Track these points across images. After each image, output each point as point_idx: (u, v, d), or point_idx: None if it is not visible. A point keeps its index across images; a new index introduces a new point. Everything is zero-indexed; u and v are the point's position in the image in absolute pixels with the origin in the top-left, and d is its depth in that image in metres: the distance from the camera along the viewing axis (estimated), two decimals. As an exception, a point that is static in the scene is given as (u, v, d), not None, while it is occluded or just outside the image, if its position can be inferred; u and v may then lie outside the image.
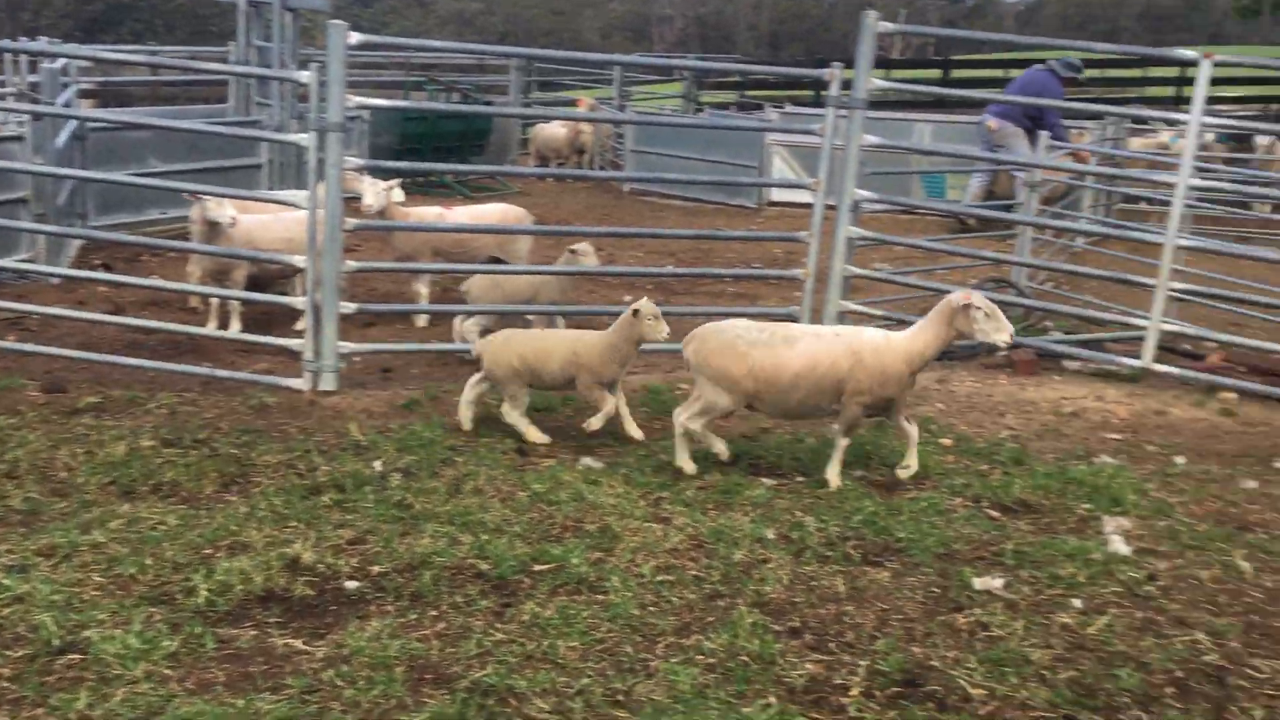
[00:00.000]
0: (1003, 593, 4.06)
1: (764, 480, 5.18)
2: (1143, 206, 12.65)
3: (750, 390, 5.22)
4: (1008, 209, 10.12)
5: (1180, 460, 5.68)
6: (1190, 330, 6.82)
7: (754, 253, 11.52)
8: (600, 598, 3.91)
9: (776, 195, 14.42)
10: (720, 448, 5.34)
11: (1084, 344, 7.21)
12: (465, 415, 5.79)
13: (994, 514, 4.89)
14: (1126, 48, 13.78)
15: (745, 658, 3.54)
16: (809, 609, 3.91)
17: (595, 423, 5.65)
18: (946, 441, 5.85)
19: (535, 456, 5.43)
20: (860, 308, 7.42)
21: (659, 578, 4.07)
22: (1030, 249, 9.42)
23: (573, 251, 7.03)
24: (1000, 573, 4.21)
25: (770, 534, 4.49)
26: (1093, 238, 10.88)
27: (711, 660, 3.53)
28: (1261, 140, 14.89)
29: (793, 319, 7.25)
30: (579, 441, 5.60)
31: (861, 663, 3.56)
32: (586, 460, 5.33)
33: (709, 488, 5.02)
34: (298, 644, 3.58)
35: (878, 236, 7.61)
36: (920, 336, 5.23)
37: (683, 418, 5.30)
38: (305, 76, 6.01)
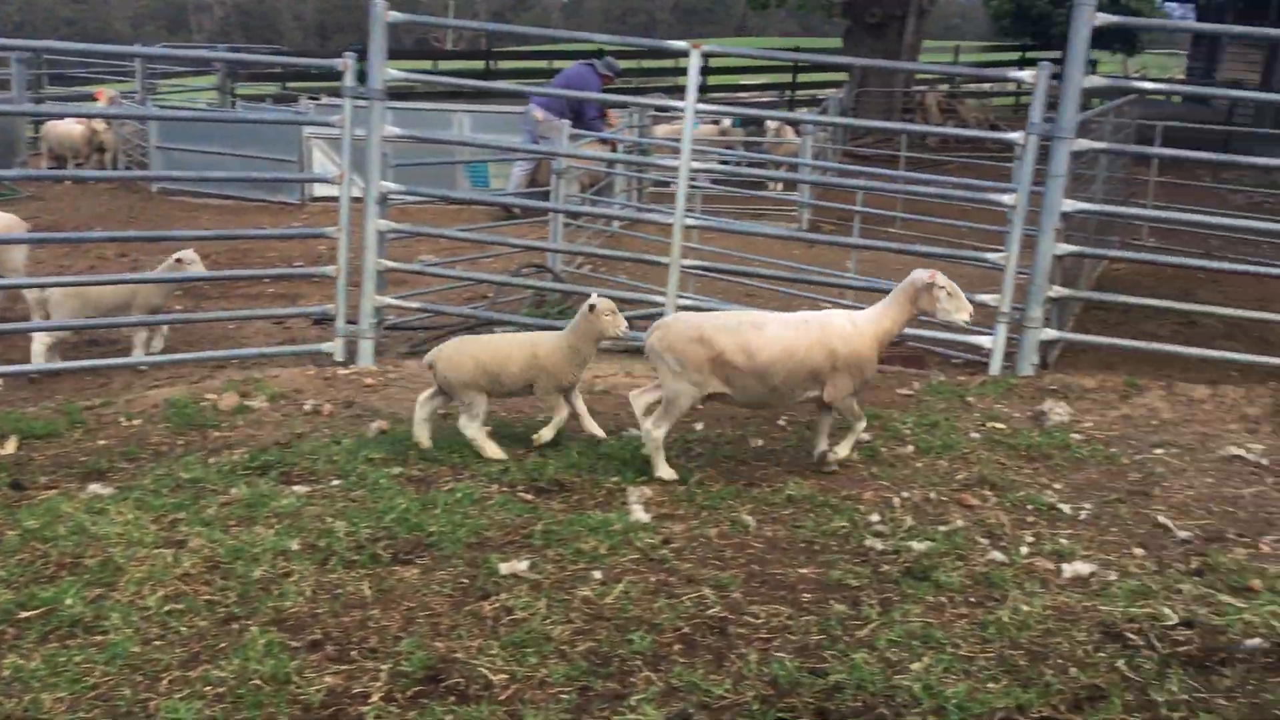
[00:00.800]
0: (528, 574, 4.12)
1: (295, 489, 4.96)
2: (672, 189, 13.47)
3: (720, 377, 5.09)
4: (546, 196, 10.43)
5: (699, 426, 6.06)
6: (703, 304, 7.30)
7: (297, 250, 11.12)
8: (97, 639, 3.57)
9: (320, 190, 14.01)
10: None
11: (615, 323, 7.52)
12: (422, 435, 5.46)
13: (528, 497, 4.96)
14: (628, 39, 14.57)
15: (258, 681, 3.35)
16: (332, 619, 3.78)
17: (547, 433, 5.45)
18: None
19: (35, 489, 4.90)
20: (399, 302, 7.33)
21: (167, 608, 3.77)
22: (567, 234, 9.76)
23: (178, 260, 6.53)
24: (528, 555, 4.28)
25: (295, 545, 4.30)
26: (624, 221, 11.45)
27: (221, 690, 3.31)
28: (770, 124, 16.27)
29: (329, 317, 7.06)
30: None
31: (384, 667, 3.48)
32: (94, 487, 4.88)
33: (233, 503, 4.74)
34: None
35: (408, 228, 7.54)
36: (886, 316, 5.29)
37: (649, 426, 5.12)
38: None
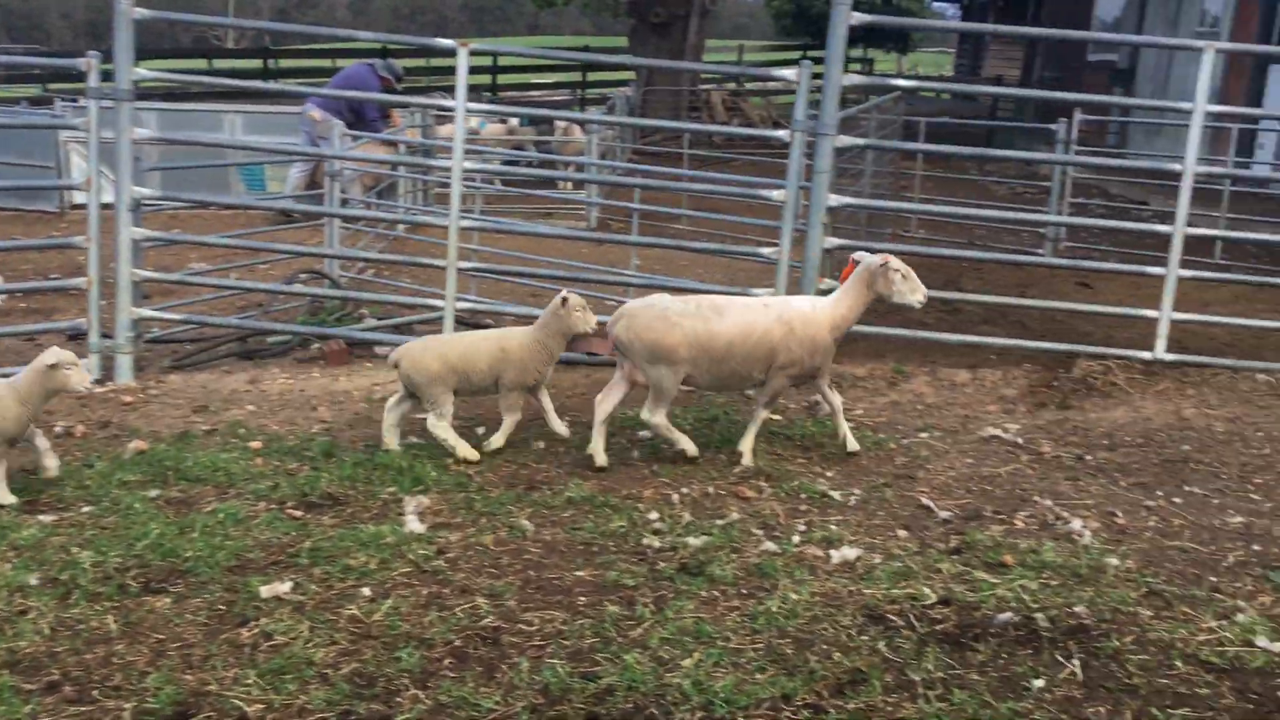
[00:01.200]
0: (291, 596, 3.94)
1: (40, 518, 4.62)
2: (467, 189, 13.31)
3: (685, 359, 5.15)
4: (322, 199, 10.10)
5: (480, 430, 5.93)
6: (484, 306, 7.20)
7: (55, 262, 10.44)
8: None
9: (81, 197, 13.18)
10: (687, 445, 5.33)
11: (395, 329, 7.35)
12: (391, 439, 5.42)
13: (297, 513, 4.76)
14: (394, 37, 14.36)
15: (-17, 732, 3.09)
16: (72, 657, 3.52)
17: (498, 440, 5.41)
18: (255, 444, 5.64)
19: None
20: (158, 314, 6.96)
21: (-120, 659, 3.44)
22: (347, 239, 9.48)
23: None
24: (292, 575, 4.10)
25: (34, 579, 3.99)
26: (408, 224, 11.21)
27: (-61, 745, 3.04)
28: (559, 123, 16.25)
29: (81, 332, 6.64)
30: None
31: (127, 705, 3.25)
32: None
33: (-34, 538, 4.37)
34: None
35: (164, 236, 7.16)
36: (843, 302, 5.33)
37: (645, 415, 5.23)
38: None
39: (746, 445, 5.41)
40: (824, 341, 5.33)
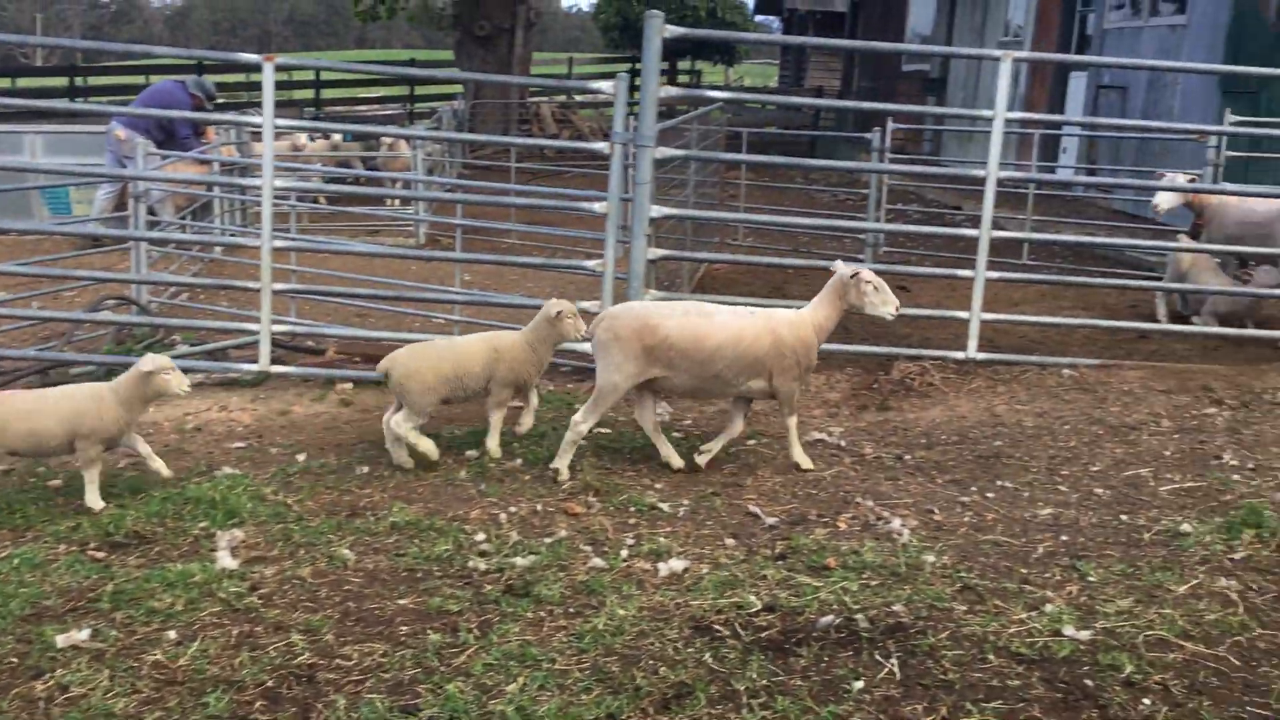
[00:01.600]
0: (90, 644, 3.71)
1: None
2: (278, 209, 12.91)
3: (664, 360, 5.19)
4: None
5: (301, 457, 5.76)
6: (302, 328, 6.99)
7: None
8: None
9: None
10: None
11: (208, 355, 7.06)
12: (400, 455, 5.45)
13: (100, 555, 4.50)
14: (195, 52, 13.92)
15: None
16: None
17: (493, 443, 5.53)
18: (55, 483, 5.34)
19: None
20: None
21: None
22: (159, 262, 9.08)
23: None
24: (92, 621, 3.87)
25: None
26: (224, 246, 10.83)
27: None
28: (385, 139, 15.97)
29: None
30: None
31: (-98, 777, 3.01)
32: None
33: None
34: None
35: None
36: (820, 310, 5.44)
37: (576, 419, 5.27)
38: None
39: (798, 454, 5.52)
40: (812, 344, 5.45)
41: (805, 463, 5.53)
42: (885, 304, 5.44)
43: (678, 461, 5.52)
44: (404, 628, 3.89)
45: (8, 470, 5.47)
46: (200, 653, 3.66)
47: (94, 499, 4.98)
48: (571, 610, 4.01)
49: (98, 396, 5.02)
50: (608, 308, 5.52)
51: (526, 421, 5.71)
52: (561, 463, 5.35)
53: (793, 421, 5.54)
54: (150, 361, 5.02)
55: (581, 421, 5.34)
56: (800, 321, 5.45)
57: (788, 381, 5.42)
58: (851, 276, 5.41)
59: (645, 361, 5.28)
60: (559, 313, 5.50)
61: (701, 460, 5.56)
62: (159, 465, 5.25)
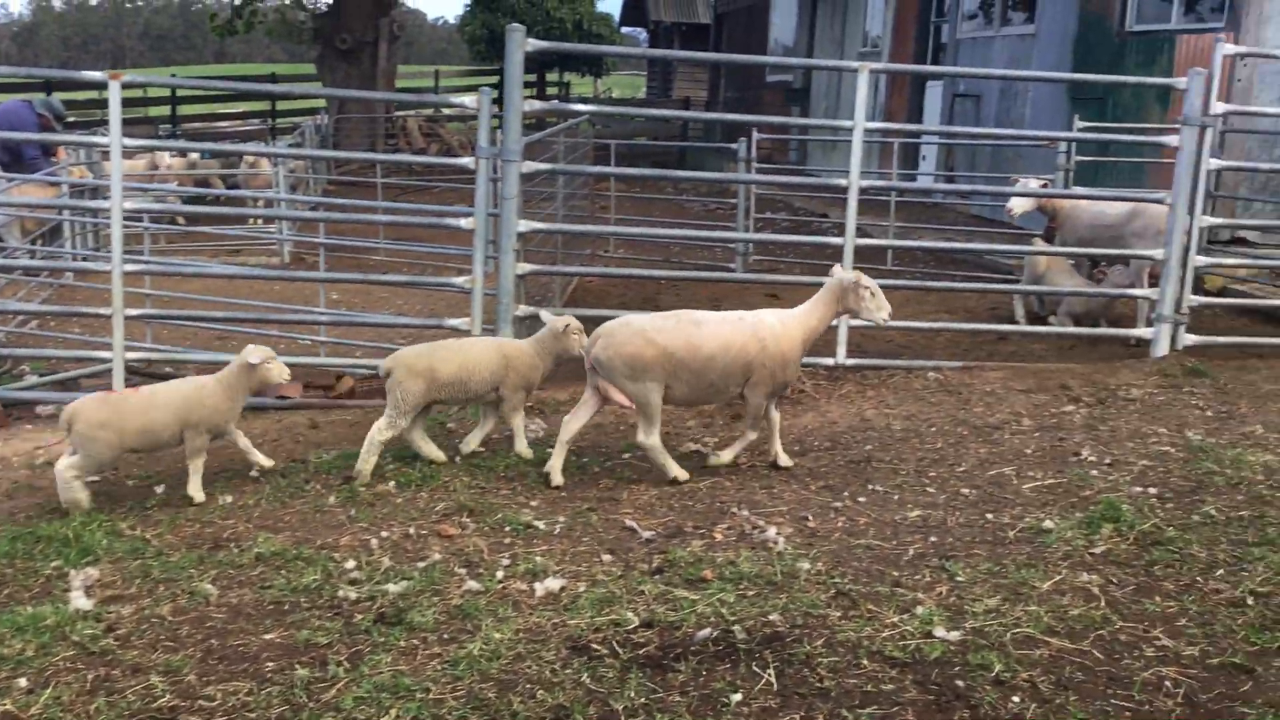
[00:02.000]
0: (-70, 700, 3.50)
1: None
2: (131, 230, 12.46)
3: (667, 371, 5.21)
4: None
5: (160, 489, 5.54)
6: (159, 354, 6.74)
7: None
8: None
9: None
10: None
11: (59, 385, 6.76)
12: (432, 451, 5.63)
13: (-58, 601, 4.26)
14: (36, 70, 13.43)
15: None
16: None
17: (522, 448, 5.68)
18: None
19: None
20: None
21: None
22: (5, 289, 8.67)
23: None
24: (-68, 675, 3.64)
25: None
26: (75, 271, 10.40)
27: None
28: (247, 157, 15.58)
29: None
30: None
31: None
32: None
33: None
34: None
35: None
36: (813, 314, 5.45)
37: (640, 439, 5.32)
38: None
39: (726, 455, 5.61)
40: (795, 356, 5.47)
41: (785, 460, 5.62)
42: (880, 309, 5.56)
43: (558, 478, 5.47)
44: (270, 664, 3.75)
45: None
46: (53, 700, 3.48)
47: (197, 490, 5.26)
48: (446, 636, 3.93)
49: (205, 388, 5.30)
50: (603, 325, 5.47)
51: (473, 441, 5.81)
52: (674, 470, 5.44)
53: (752, 435, 5.63)
54: (255, 353, 5.27)
55: (645, 438, 5.40)
56: (786, 332, 5.47)
57: (757, 395, 5.48)
58: (852, 282, 5.50)
59: (653, 370, 5.31)
60: (567, 326, 5.67)
61: (785, 462, 5.63)
62: (259, 457, 5.50)
